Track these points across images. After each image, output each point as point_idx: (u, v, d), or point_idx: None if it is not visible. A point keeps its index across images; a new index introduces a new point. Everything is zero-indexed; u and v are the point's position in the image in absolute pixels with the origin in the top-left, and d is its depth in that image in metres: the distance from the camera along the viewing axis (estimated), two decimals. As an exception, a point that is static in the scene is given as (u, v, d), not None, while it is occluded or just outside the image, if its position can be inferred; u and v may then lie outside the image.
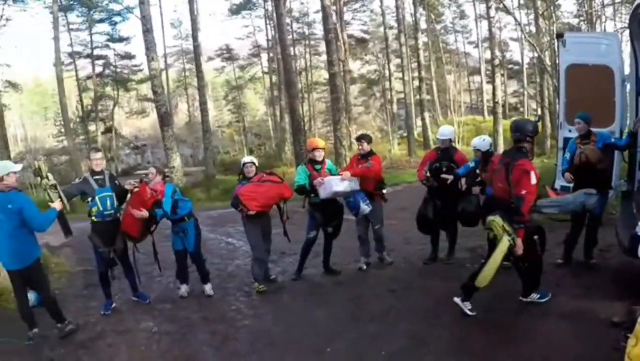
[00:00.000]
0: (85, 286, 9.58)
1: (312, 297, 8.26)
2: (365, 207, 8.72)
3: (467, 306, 6.68)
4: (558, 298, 6.96)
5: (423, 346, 6.07)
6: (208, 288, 8.67)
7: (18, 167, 7.17)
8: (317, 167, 8.77)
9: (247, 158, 8.98)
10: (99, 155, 8.14)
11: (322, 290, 8.53)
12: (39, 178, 7.42)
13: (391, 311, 7.24)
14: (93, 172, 7.92)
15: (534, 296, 6.89)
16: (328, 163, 9.03)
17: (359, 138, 9.41)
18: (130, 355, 6.60)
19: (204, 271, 8.74)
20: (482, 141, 8.91)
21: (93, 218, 7.86)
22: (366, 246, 9.46)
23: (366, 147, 9.14)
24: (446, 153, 9.09)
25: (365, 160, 9.05)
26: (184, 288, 8.66)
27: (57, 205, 7.07)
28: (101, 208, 7.71)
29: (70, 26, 45.77)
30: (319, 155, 8.79)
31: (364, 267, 9.31)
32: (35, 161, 7.49)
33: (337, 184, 8.48)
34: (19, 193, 6.80)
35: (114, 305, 8.20)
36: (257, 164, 8.85)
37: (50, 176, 7.35)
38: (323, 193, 8.51)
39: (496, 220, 6.46)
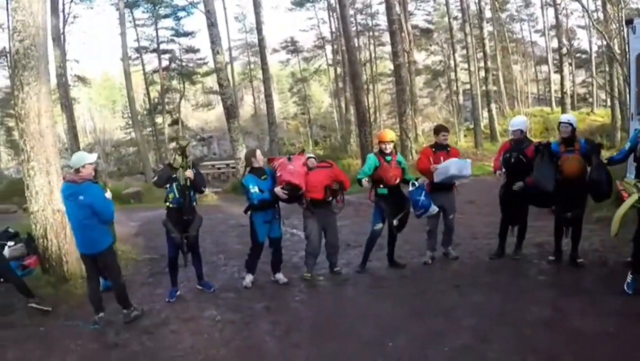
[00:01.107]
0: (151, 274, 9.84)
1: (375, 290, 8.22)
2: (434, 208, 8.69)
3: None
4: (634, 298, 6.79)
5: (487, 344, 5.98)
6: (281, 276, 8.80)
7: (93, 157, 7.43)
8: (388, 158, 8.70)
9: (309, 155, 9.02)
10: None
11: (386, 284, 8.48)
12: (179, 157, 7.93)
13: (455, 307, 7.16)
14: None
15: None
16: (398, 156, 8.95)
17: (440, 130, 9.34)
18: (193, 342, 6.71)
19: (281, 259, 8.91)
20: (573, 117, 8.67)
21: (169, 204, 8.03)
22: (433, 239, 9.37)
23: (443, 138, 9.12)
24: (518, 144, 8.80)
25: (443, 151, 8.99)
26: (249, 279, 8.74)
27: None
28: (177, 195, 7.85)
29: (137, 22, 46.49)
30: (388, 148, 8.71)
31: (429, 261, 9.24)
32: (182, 141, 7.82)
33: (455, 167, 8.54)
34: (92, 186, 7.01)
35: (179, 292, 8.39)
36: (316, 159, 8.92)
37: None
38: (437, 177, 8.59)
39: (628, 180, 7.20)
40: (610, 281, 7.43)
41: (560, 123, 8.42)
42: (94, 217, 6.96)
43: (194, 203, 8.16)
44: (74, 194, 6.91)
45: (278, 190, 8.15)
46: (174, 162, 7.95)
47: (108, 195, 7.50)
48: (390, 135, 8.95)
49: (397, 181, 8.68)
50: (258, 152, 8.66)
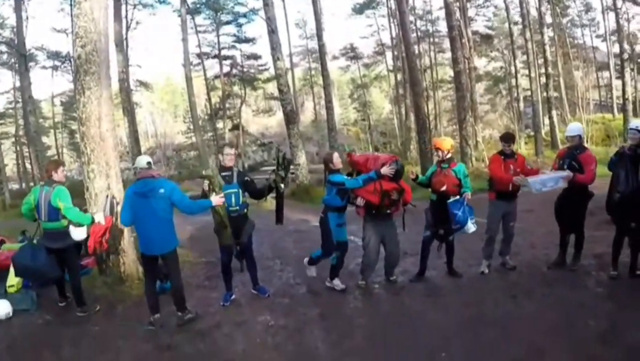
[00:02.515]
0: (207, 277, 9.91)
1: (430, 299, 8.09)
2: (471, 227, 8.48)
3: None
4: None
5: (540, 358, 5.85)
6: (339, 283, 8.79)
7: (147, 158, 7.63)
8: (444, 165, 8.63)
9: None
10: (232, 150, 8.33)
11: (442, 292, 8.35)
12: (276, 162, 8.35)
13: (510, 318, 7.01)
14: (222, 168, 8.10)
15: None
16: (458, 165, 8.79)
17: (502, 139, 9.13)
18: (245, 346, 6.75)
19: (342, 265, 8.86)
20: None
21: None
22: (490, 248, 9.14)
23: (508, 147, 8.89)
24: (572, 151, 8.54)
25: (512, 159, 8.79)
26: (314, 270, 8.95)
27: (216, 200, 7.48)
28: (226, 204, 7.82)
29: (198, 28, 47.33)
30: (440, 154, 8.66)
31: (486, 271, 9.04)
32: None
33: (544, 183, 8.24)
34: (168, 181, 7.32)
35: (233, 296, 8.43)
36: None
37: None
38: (535, 186, 8.25)
39: None
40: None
41: (629, 129, 8.17)
42: (171, 214, 7.24)
43: (245, 210, 8.18)
44: (154, 189, 7.13)
45: (385, 168, 8.04)
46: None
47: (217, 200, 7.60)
48: (445, 143, 8.80)
49: (443, 188, 8.48)
50: (336, 155, 8.56)
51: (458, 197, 8.44)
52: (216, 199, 7.44)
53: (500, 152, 9.00)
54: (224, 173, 8.02)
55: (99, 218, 8.10)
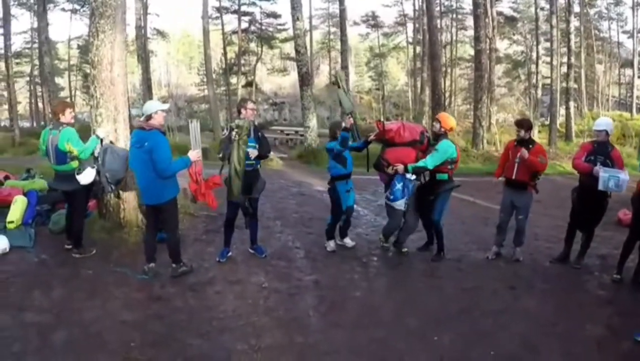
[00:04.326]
0: (206, 231, 9.91)
1: (428, 280, 8.00)
2: (401, 203, 8.39)
3: None
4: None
5: (534, 354, 5.76)
6: (349, 240, 9.20)
7: (166, 105, 7.55)
8: (432, 142, 8.55)
9: None
10: (253, 105, 8.10)
11: (440, 274, 8.25)
12: (335, 86, 8.37)
13: (507, 310, 6.92)
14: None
15: None
16: (443, 142, 8.37)
17: (520, 124, 8.75)
18: (236, 306, 6.72)
19: (350, 225, 9.34)
20: None
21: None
22: (501, 235, 9.01)
23: (523, 134, 8.54)
24: (602, 147, 8.20)
25: (526, 147, 8.41)
26: (333, 244, 9.08)
27: (193, 154, 7.48)
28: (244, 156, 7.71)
29: (220, -19, 46.93)
30: (436, 127, 8.56)
31: (493, 257, 8.93)
32: (334, 71, 7.94)
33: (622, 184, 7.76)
34: (158, 134, 7.05)
35: (230, 253, 8.41)
36: None
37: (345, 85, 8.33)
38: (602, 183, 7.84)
39: None
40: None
41: None
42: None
43: (258, 166, 8.10)
44: (141, 140, 6.99)
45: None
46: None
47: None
48: (449, 120, 8.57)
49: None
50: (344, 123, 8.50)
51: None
52: (193, 154, 7.44)
53: (517, 138, 8.72)
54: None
55: (193, 155, 7.61)
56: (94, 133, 8.22)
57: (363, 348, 5.80)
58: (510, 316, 6.70)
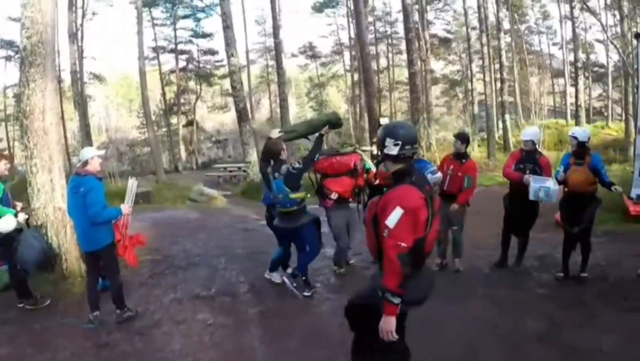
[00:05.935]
0: (151, 275, 9.78)
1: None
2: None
3: None
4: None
5: (475, 355, 5.93)
6: (277, 275, 8.93)
7: (101, 152, 7.58)
8: (376, 163, 8.76)
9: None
10: None
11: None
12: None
13: (449, 318, 6.99)
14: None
15: None
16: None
17: (457, 136, 9.16)
18: (183, 345, 6.71)
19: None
20: (582, 131, 8.35)
21: None
22: (442, 246, 9.18)
23: (459, 146, 8.89)
24: (531, 155, 8.56)
25: (459, 161, 8.81)
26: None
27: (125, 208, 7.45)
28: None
29: (155, 21, 47.27)
30: (375, 150, 9.00)
31: (435, 268, 8.97)
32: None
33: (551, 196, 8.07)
34: (92, 179, 7.02)
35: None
36: None
37: None
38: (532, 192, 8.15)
39: None
40: (610, 296, 7.43)
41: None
42: None
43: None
44: (77, 186, 6.98)
45: None
46: None
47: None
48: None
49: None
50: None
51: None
52: (125, 207, 7.45)
53: (454, 153, 9.05)
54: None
55: (125, 208, 7.57)
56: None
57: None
58: (453, 324, 6.81)
